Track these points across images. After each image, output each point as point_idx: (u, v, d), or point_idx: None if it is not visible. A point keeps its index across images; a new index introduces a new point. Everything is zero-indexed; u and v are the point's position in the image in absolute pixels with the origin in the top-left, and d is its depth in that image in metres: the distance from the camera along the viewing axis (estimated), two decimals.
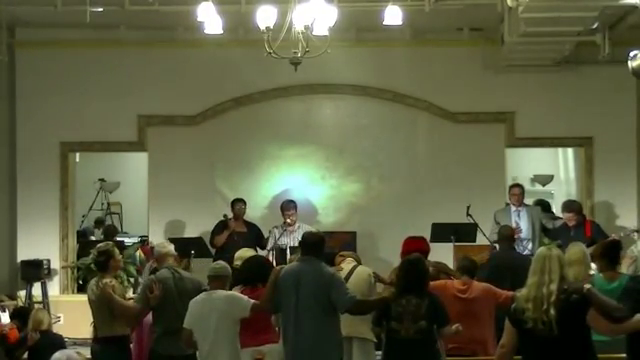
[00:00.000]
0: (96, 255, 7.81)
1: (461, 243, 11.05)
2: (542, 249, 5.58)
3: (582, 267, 7.50)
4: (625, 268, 8.78)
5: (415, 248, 8.80)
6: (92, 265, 8.30)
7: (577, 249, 7.71)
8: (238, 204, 11.90)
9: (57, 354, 5.05)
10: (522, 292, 5.45)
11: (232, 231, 11.51)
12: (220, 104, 12.80)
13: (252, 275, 7.71)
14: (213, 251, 11.46)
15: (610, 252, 7.49)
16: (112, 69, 12.70)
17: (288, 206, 11.70)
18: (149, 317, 7.86)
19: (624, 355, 6.85)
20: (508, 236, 9.49)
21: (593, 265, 8.01)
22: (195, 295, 7.34)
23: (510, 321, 5.51)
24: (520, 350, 5.56)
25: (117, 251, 7.88)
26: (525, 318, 5.34)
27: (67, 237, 12.80)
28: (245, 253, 8.84)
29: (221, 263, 7.47)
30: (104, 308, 7.58)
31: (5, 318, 9.83)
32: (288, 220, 11.55)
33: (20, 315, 9.33)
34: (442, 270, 8.71)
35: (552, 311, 5.26)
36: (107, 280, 7.61)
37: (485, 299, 7.92)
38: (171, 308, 7.51)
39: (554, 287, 5.30)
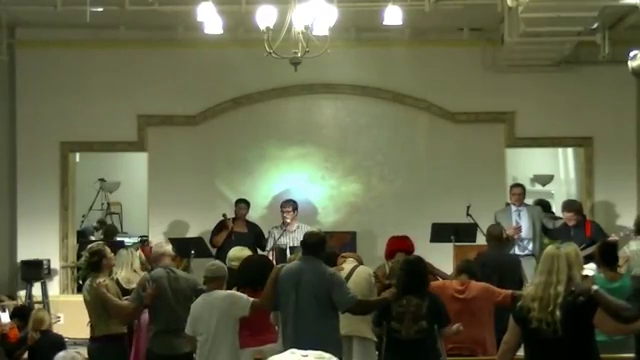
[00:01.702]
0: (88, 256, 7.84)
1: (461, 243, 11.03)
2: (550, 248, 5.50)
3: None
4: None
5: (399, 247, 8.81)
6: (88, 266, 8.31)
7: (570, 249, 7.71)
8: (239, 205, 11.90)
9: (61, 354, 5.06)
10: (528, 291, 5.41)
11: (231, 231, 11.50)
12: (220, 104, 12.80)
13: (252, 277, 7.66)
14: (214, 251, 11.46)
15: (607, 253, 7.52)
16: (112, 69, 12.70)
17: (285, 204, 11.70)
18: (147, 317, 7.88)
19: (623, 355, 6.88)
20: (496, 235, 9.46)
21: (589, 265, 8.03)
22: (190, 294, 7.38)
23: (515, 319, 5.47)
24: (524, 349, 5.54)
25: (109, 250, 7.91)
26: (530, 317, 5.30)
27: (67, 237, 12.81)
28: (240, 252, 8.77)
29: (217, 263, 7.47)
30: (99, 307, 7.62)
31: (5, 318, 9.82)
32: (287, 220, 11.54)
33: (20, 314, 9.33)
34: (428, 270, 8.69)
35: (558, 313, 5.21)
36: (101, 280, 7.64)
37: (484, 299, 7.91)
38: (166, 307, 7.54)
39: (561, 288, 5.25)
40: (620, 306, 5.40)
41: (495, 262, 8.97)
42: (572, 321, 5.23)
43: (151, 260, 8.50)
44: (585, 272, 7.72)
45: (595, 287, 5.38)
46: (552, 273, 5.31)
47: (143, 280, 7.72)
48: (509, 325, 5.54)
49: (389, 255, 9.10)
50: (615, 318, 5.37)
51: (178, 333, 7.30)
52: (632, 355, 6.69)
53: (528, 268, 9.81)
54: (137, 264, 9.19)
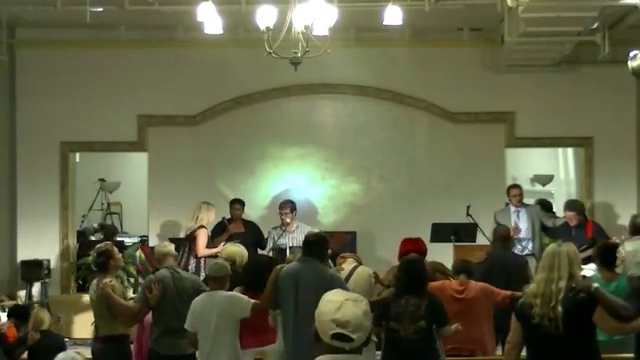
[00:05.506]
0: (95, 256, 7.81)
1: (461, 243, 11.04)
2: (552, 245, 5.58)
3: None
4: None
5: (413, 249, 8.77)
6: (92, 266, 8.29)
7: (569, 247, 7.72)
8: (233, 205, 11.86)
9: (61, 355, 5.05)
10: (531, 287, 5.46)
11: (231, 235, 11.40)
12: (220, 104, 12.80)
13: (255, 279, 7.64)
14: None
15: (604, 254, 7.53)
16: (112, 69, 12.70)
17: (283, 206, 11.65)
18: (150, 317, 7.87)
19: (623, 355, 6.88)
20: (503, 236, 9.46)
21: (588, 266, 8.03)
22: (194, 295, 7.35)
23: (516, 316, 5.52)
24: (526, 346, 5.56)
25: (116, 250, 7.89)
26: (532, 313, 5.35)
27: (67, 237, 12.80)
28: (235, 251, 8.73)
29: (219, 263, 7.44)
30: (103, 308, 7.60)
31: (3, 317, 9.82)
32: (286, 221, 11.51)
33: (18, 313, 9.31)
34: (439, 270, 8.69)
35: (559, 308, 5.26)
36: (107, 280, 7.62)
37: (483, 299, 7.90)
38: (170, 308, 7.53)
39: (563, 284, 5.30)
40: (619, 305, 5.43)
41: (503, 263, 8.96)
42: (573, 317, 5.27)
43: (154, 260, 8.50)
44: (584, 272, 7.75)
45: (595, 285, 5.41)
46: (553, 269, 5.36)
47: (149, 281, 7.71)
48: (512, 323, 5.57)
49: (403, 257, 9.06)
50: (614, 316, 5.40)
51: (182, 334, 7.29)
52: (632, 355, 6.69)
53: None
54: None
